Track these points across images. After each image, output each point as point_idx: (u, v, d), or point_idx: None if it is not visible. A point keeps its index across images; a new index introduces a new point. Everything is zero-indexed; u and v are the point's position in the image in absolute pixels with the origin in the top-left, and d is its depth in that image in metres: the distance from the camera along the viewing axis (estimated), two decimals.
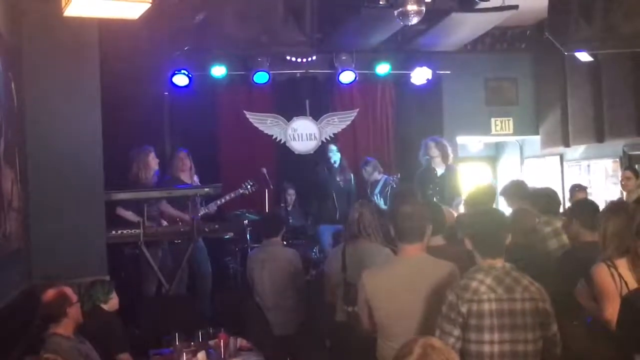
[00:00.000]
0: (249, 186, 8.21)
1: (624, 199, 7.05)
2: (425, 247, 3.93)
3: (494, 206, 5.99)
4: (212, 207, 8.02)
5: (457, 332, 3.35)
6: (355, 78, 9.41)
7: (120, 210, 7.21)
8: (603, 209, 4.25)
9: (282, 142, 9.55)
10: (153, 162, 7.65)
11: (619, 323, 3.27)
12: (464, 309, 3.34)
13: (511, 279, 3.40)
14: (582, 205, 4.89)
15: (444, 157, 8.36)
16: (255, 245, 7.50)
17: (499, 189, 6.60)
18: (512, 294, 3.36)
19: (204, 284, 7.93)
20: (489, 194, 6.15)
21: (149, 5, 4.17)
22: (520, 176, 9.89)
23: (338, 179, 8.82)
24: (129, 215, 7.21)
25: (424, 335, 2.48)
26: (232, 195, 8.12)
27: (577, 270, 4.23)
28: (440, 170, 8.30)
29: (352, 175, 9.03)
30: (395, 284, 3.81)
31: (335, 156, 8.88)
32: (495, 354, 3.33)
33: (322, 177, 8.83)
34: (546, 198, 5.73)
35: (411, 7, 6.12)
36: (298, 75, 9.52)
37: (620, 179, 7.73)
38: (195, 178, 8.15)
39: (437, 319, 3.60)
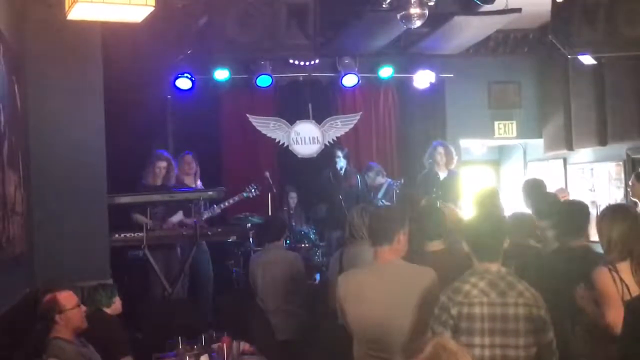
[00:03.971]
0: (252, 190, 8.21)
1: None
2: (399, 251, 3.90)
3: (499, 209, 5.96)
4: (216, 210, 8.03)
5: (447, 334, 3.33)
6: (358, 81, 9.40)
7: (135, 216, 7.25)
8: (605, 213, 4.22)
9: (285, 145, 9.54)
10: (157, 170, 7.67)
11: (623, 329, 3.26)
12: (454, 312, 3.33)
13: (505, 284, 3.38)
14: (568, 208, 4.85)
15: (449, 161, 8.35)
16: (258, 248, 7.49)
17: (503, 191, 6.58)
18: (505, 299, 3.34)
19: (205, 287, 7.93)
20: (493, 196, 6.15)
21: (152, 8, 4.18)
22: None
23: (344, 184, 8.77)
24: (142, 219, 7.23)
25: (440, 336, 2.46)
26: (236, 198, 8.13)
27: (556, 275, 4.23)
28: (442, 174, 8.30)
29: (359, 177, 8.95)
30: (363, 288, 3.82)
31: (341, 162, 8.81)
32: (485, 357, 3.32)
33: (328, 183, 8.79)
34: (548, 202, 5.73)
35: (414, 11, 6.11)
36: (301, 78, 9.51)
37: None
38: (199, 183, 8.15)
39: (407, 325, 3.65)
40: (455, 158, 8.50)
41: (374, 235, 3.88)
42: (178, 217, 7.63)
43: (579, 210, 4.73)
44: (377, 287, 3.77)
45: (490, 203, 5.87)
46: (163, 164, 7.69)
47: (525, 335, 3.34)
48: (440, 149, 8.36)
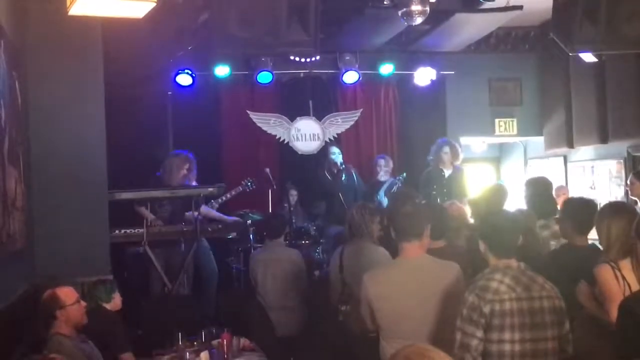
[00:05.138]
0: (248, 183, 8.21)
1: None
2: (426, 246, 3.94)
3: (504, 206, 5.95)
4: (214, 205, 8.03)
5: (480, 333, 3.35)
6: (359, 78, 9.40)
7: (138, 208, 7.24)
8: (604, 210, 4.22)
9: (286, 142, 9.54)
10: (183, 172, 7.68)
11: (617, 328, 3.27)
12: (486, 310, 3.34)
13: (527, 278, 3.43)
14: (578, 206, 4.83)
15: (455, 158, 8.32)
16: (258, 245, 7.50)
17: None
18: (530, 293, 3.39)
19: (208, 284, 7.92)
20: (499, 194, 6.13)
21: (154, 4, 4.17)
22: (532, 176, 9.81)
23: (343, 178, 8.76)
24: (145, 212, 7.22)
25: (417, 344, 2.42)
26: (233, 193, 8.13)
27: (564, 273, 4.23)
28: (447, 171, 8.28)
29: (353, 172, 8.96)
30: (395, 285, 3.84)
31: (338, 158, 8.84)
32: (516, 353, 3.35)
33: (327, 180, 8.79)
34: (542, 201, 5.73)
35: (415, 8, 6.11)
36: (302, 75, 9.50)
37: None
38: (194, 183, 8.14)
39: (438, 319, 3.67)
40: (461, 154, 8.48)
41: (403, 231, 3.89)
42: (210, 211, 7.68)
43: (588, 209, 4.69)
44: (409, 282, 3.81)
45: (495, 201, 5.86)
46: (187, 165, 7.72)
47: (552, 327, 3.39)
48: (446, 148, 8.33)
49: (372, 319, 3.93)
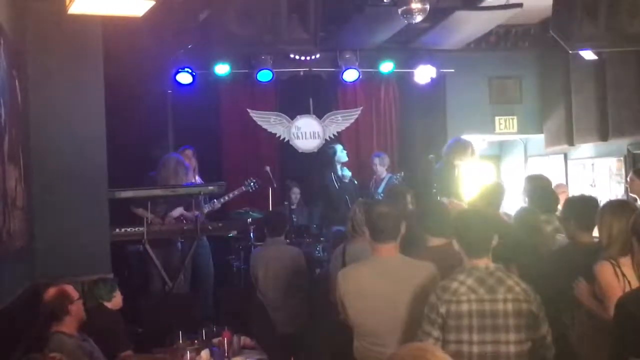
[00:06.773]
0: (251, 183, 8.23)
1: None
2: (399, 244, 3.90)
3: (497, 206, 5.94)
4: (216, 204, 8.04)
5: (436, 333, 3.36)
6: (359, 76, 9.39)
7: (133, 209, 7.24)
8: (606, 207, 4.22)
9: (286, 140, 9.55)
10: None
11: (613, 326, 3.27)
12: (442, 310, 3.35)
13: (495, 280, 3.39)
14: (580, 204, 4.81)
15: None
16: (259, 243, 7.50)
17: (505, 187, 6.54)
18: (494, 295, 3.35)
19: (206, 281, 7.94)
20: (496, 193, 6.12)
21: (153, 3, 4.16)
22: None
23: (347, 180, 8.77)
24: (141, 213, 7.22)
25: (413, 345, 2.40)
26: (236, 192, 8.14)
27: (571, 271, 4.22)
28: (457, 169, 8.21)
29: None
30: (367, 284, 3.82)
31: (344, 157, 8.85)
32: (474, 354, 3.34)
33: (334, 186, 8.79)
34: (543, 196, 5.73)
35: (415, 5, 6.10)
36: (302, 73, 9.50)
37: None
38: (198, 178, 8.15)
39: (408, 319, 3.66)
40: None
41: (381, 232, 3.83)
42: (178, 212, 7.62)
43: (590, 206, 4.68)
44: (381, 281, 3.78)
45: (492, 200, 5.85)
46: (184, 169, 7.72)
47: (516, 330, 3.35)
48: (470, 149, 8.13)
49: (346, 315, 3.92)
